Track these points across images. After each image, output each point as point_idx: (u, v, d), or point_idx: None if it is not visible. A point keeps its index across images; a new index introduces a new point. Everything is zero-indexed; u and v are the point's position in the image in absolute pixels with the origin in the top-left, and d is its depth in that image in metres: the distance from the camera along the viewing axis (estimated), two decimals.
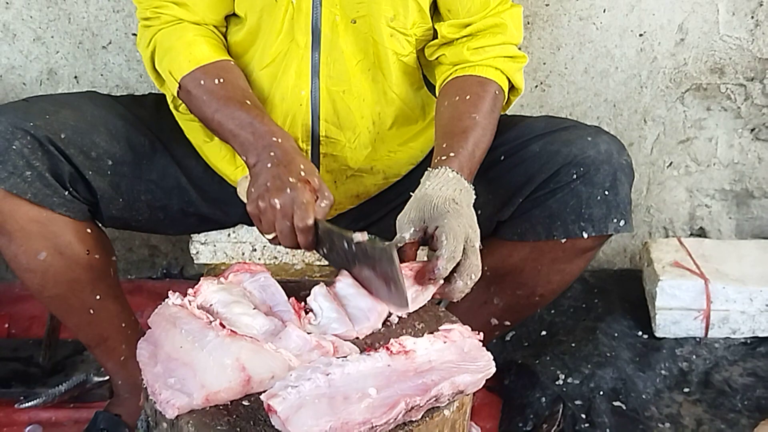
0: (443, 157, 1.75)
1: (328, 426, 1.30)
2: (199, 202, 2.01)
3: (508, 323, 2.00)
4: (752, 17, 2.65)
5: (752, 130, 2.76)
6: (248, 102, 1.83)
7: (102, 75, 2.65)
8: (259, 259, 2.25)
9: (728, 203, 2.84)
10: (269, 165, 1.71)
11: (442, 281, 1.62)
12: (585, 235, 1.85)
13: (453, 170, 1.72)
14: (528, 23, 2.64)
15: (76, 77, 2.65)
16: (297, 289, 1.75)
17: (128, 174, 1.92)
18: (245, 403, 1.43)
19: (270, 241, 1.71)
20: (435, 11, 1.95)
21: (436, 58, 1.96)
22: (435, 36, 1.96)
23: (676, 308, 2.46)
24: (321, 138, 1.94)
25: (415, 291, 1.62)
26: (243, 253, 2.28)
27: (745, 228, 2.86)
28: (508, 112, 2.06)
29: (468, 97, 1.85)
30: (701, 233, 2.86)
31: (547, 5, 2.63)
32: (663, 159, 2.79)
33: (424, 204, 1.66)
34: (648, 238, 2.82)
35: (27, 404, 2.22)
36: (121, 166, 1.90)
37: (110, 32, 2.60)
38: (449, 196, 1.67)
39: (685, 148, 2.78)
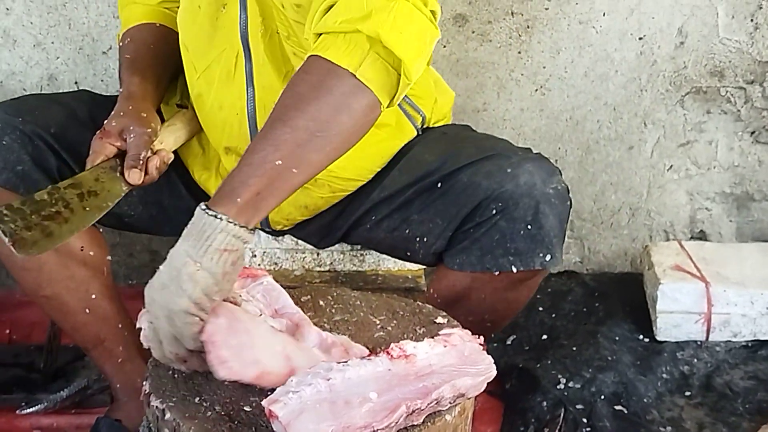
0: (221, 196, 1.46)
1: (330, 430, 1.31)
2: (188, 198, 2.01)
3: None
4: (752, 20, 2.65)
5: (752, 133, 2.77)
6: (128, 56, 1.92)
7: (102, 80, 2.65)
8: (259, 264, 2.26)
9: (729, 206, 2.84)
10: None
11: None
12: (514, 270, 1.78)
13: (231, 222, 1.42)
14: (528, 27, 2.64)
15: (76, 83, 2.65)
16: (297, 294, 1.75)
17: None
18: (246, 408, 1.43)
19: None
20: None
21: None
22: None
23: (677, 312, 2.46)
24: None
25: None
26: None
27: (746, 231, 2.87)
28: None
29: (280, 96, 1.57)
30: (702, 236, 2.87)
31: (546, 9, 2.63)
32: (663, 162, 2.79)
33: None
34: (648, 242, 2.82)
35: (28, 410, 2.22)
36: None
37: (110, 38, 2.60)
38: (180, 300, 1.41)
39: (686, 151, 2.79)
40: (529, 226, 1.75)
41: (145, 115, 1.78)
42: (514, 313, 1.96)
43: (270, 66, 1.84)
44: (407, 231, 1.87)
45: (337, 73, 1.53)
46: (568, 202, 1.80)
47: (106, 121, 1.77)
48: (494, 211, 1.75)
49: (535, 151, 1.87)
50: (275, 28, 1.82)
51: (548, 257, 1.77)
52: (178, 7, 1.97)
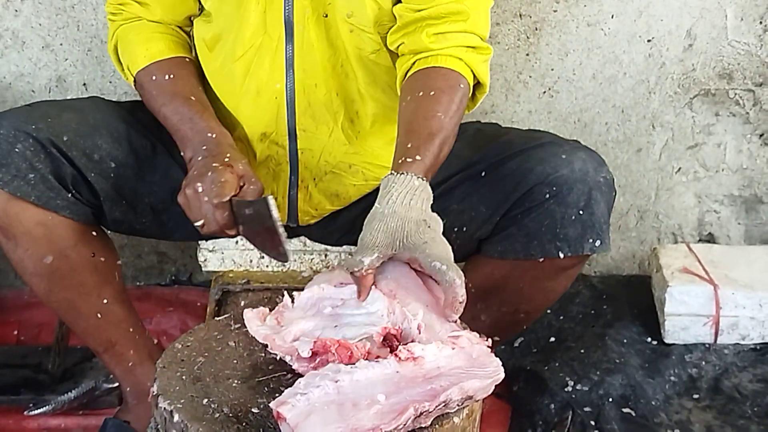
0: (408, 160, 1.66)
1: None
2: None
3: (496, 339, 1.97)
4: (761, 23, 2.65)
5: (761, 135, 2.76)
6: (193, 98, 1.88)
7: (110, 82, 2.65)
8: (267, 266, 2.26)
9: (737, 209, 2.84)
10: (200, 158, 1.76)
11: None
12: (561, 255, 1.82)
13: (419, 176, 1.63)
14: (536, 29, 2.64)
15: (84, 84, 2.66)
16: None
17: (131, 176, 1.92)
18: (254, 410, 1.43)
19: (199, 228, 1.72)
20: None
21: (397, 47, 1.88)
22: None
23: (685, 314, 2.46)
24: (298, 132, 1.93)
25: (446, 326, 1.57)
26: (251, 261, 2.28)
27: (754, 233, 2.86)
28: (505, 120, 2.05)
29: (432, 93, 1.76)
30: (710, 239, 2.86)
31: (555, 11, 2.63)
32: (671, 165, 2.79)
33: (393, 227, 1.57)
34: (657, 244, 2.82)
35: (36, 411, 2.23)
36: (124, 168, 1.91)
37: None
38: (420, 217, 1.58)
39: (694, 153, 2.78)
40: (580, 212, 1.79)
41: (254, 171, 1.78)
42: (549, 304, 1.99)
43: (313, 48, 1.87)
44: (444, 222, 1.88)
45: (460, 80, 1.80)
46: (614, 192, 1.86)
47: (229, 158, 1.74)
48: (547, 196, 1.79)
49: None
50: (322, 11, 1.85)
51: (598, 242, 1.82)
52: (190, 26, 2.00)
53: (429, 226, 1.58)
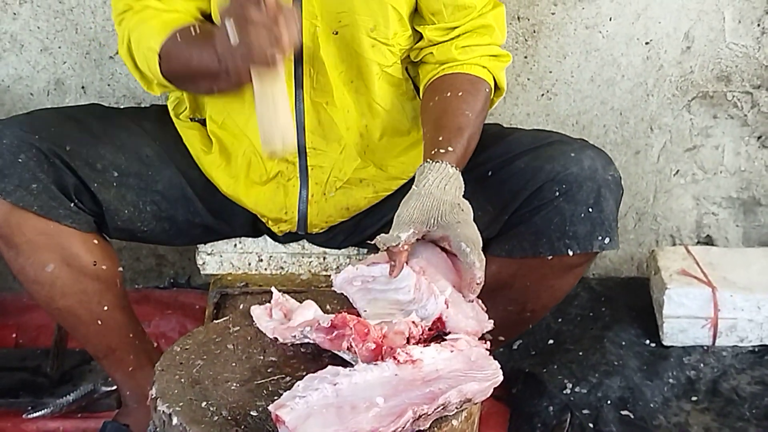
0: (441, 150, 1.74)
1: None
2: (203, 212, 2.01)
3: (502, 338, 1.97)
4: (758, 25, 2.65)
5: (759, 137, 2.76)
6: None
7: (109, 85, 2.65)
8: (266, 269, 2.25)
9: (735, 211, 2.84)
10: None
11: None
12: (570, 253, 1.83)
13: (453, 166, 1.71)
14: (534, 32, 2.64)
15: (83, 87, 2.65)
16: (303, 299, 1.75)
17: (133, 185, 1.92)
18: (253, 413, 1.43)
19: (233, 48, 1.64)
20: (416, 15, 1.95)
21: (421, 58, 1.96)
22: (419, 39, 1.95)
23: (683, 316, 2.46)
24: (308, 150, 1.94)
25: (468, 307, 1.62)
26: (249, 264, 2.28)
27: (752, 236, 2.86)
28: (503, 123, 2.06)
29: (460, 94, 1.86)
30: (708, 241, 2.86)
31: (553, 14, 2.63)
32: (670, 167, 2.79)
33: (429, 206, 1.65)
34: (655, 246, 2.82)
35: (35, 414, 2.23)
36: (127, 177, 1.91)
37: (117, 42, 2.60)
38: (454, 200, 1.67)
39: (692, 156, 2.78)
40: (590, 209, 1.81)
41: None
42: (556, 302, 2.00)
43: (324, 67, 1.88)
44: None
45: (484, 84, 1.91)
46: (621, 191, 1.88)
47: None
48: (557, 193, 1.81)
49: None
50: (333, 29, 1.86)
51: (607, 240, 1.84)
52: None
53: (462, 210, 1.66)
